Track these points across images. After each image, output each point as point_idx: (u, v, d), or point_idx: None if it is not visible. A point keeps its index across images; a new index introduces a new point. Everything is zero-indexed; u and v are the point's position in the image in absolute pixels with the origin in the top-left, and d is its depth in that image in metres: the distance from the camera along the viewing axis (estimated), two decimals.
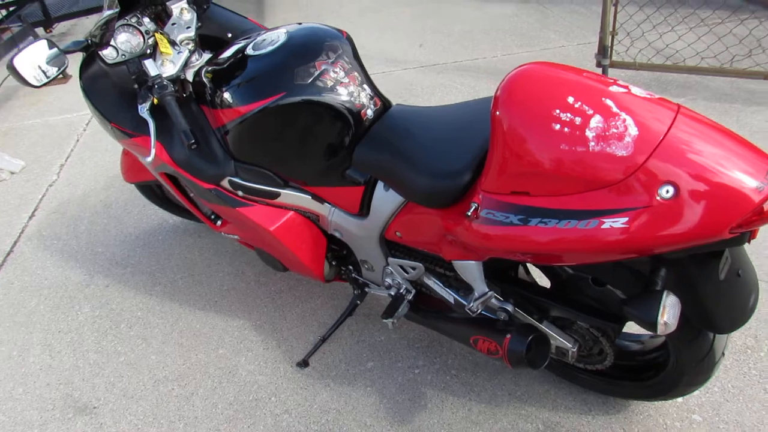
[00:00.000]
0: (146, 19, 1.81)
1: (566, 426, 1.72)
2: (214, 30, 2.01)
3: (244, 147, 1.71)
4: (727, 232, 1.07)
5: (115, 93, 1.91)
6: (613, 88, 1.19)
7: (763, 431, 1.65)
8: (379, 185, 1.61)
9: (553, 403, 1.79)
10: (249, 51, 1.68)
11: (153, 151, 1.76)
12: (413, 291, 1.81)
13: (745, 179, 1.06)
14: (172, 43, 1.88)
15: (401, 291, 1.81)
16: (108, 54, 1.84)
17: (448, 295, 1.72)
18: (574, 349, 1.56)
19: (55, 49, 1.76)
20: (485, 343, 1.53)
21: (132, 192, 3.06)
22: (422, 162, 1.44)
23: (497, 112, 1.26)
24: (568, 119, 1.16)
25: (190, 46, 1.92)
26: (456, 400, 1.84)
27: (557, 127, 1.17)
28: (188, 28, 1.93)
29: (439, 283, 1.73)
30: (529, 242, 1.23)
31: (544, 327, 1.55)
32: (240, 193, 1.80)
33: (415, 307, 1.81)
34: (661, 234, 1.09)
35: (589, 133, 1.14)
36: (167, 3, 1.93)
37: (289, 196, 1.77)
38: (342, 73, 1.61)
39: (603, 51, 3.47)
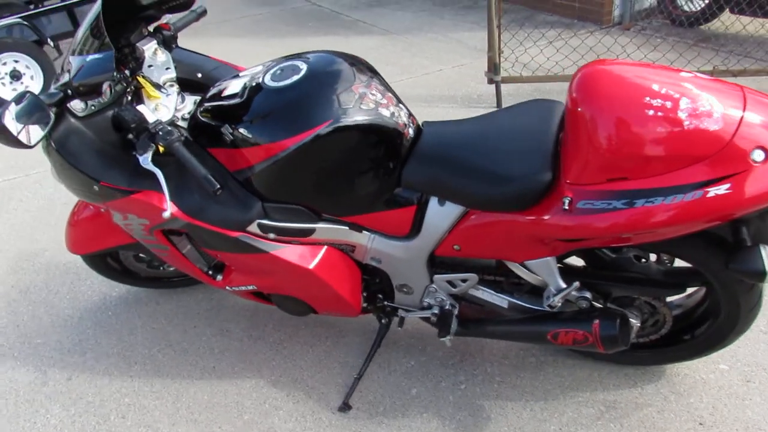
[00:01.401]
0: None
1: (623, 402, 1.82)
2: (183, 71, 1.87)
3: (280, 185, 1.60)
4: None
5: (95, 149, 1.68)
6: (684, 74, 1.34)
7: None
8: (433, 201, 1.60)
9: (602, 384, 1.89)
10: (268, 83, 1.58)
11: (169, 203, 1.58)
12: (457, 305, 1.81)
13: None
14: (156, 86, 1.72)
15: (446, 307, 1.80)
16: (76, 106, 1.64)
17: (501, 300, 1.75)
18: (639, 324, 1.67)
19: (35, 100, 1.50)
20: (568, 334, 1.59)
21: (49, 271, 2.66)
22: (497, 170, 1.47)
23: (579, 109, 1.34)
24: (659, 104, 1.27)
25: (176, 87, 1.78)
26: (514, 404, 1.86)
27: (651, 112, 1.27)
28: (168, 69, 1.79)
29: (489, 290, 1.75)
30: (636, 223, 1.31)
31: (615, 308, 1.65)
32: (271, 235, 1.67)
33: (460, 321, 1.81)
34: (760, 192, 1.24)
35: (682, 114, 1.26)
36: (137, 45, 1.77)
37: (324, 230, 1.69)
38: (379, 95, 1.59)
39: (494, 69, 3.77)
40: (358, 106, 1.53)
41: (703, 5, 4.57)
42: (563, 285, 1.58)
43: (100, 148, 1.67)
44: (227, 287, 1.91)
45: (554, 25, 5.05)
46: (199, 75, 1.94)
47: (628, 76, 1.33)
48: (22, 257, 2.77)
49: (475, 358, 2.03)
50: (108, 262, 2.24)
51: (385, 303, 1.89)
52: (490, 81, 3.83)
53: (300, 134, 1.50)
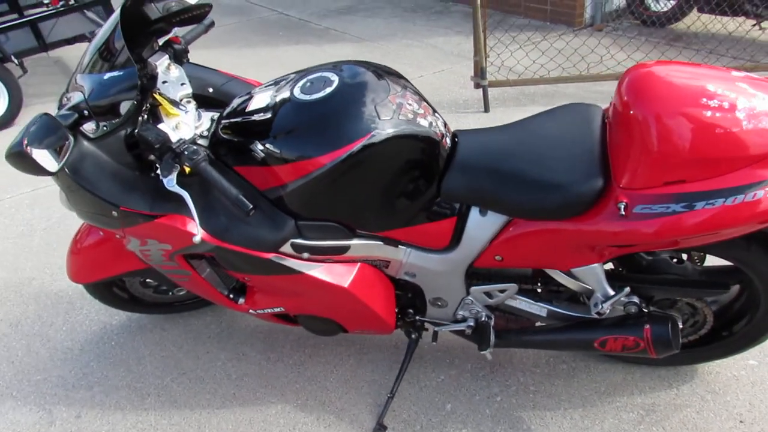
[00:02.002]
0: None
1: (662, 404, 1.81)
2: (193, 86, 1.78)
3: (315, 203, 1.53)
4: None
5: (112, 172, 1.57)
6: (735, 74, 1.33)
7: None
8: (474, 212, 1.56)
9: (637, 387, 1.87)
10: (298, 97, 1.51)
11: (199, 227, 1.49)
12: (492, 316, 1.77)
13: None
14: (174, 103, 1.63)
15: (482, 319, 1.76)
16: (86, 127, 1.54)
17: (540, 309, 1.71)
18: (681, 325, 1.66)
19: (53, 122, 1.39)
20: (617, 341, 1.56)
21: (39, 301, 2.51)
22: (545, 177, 1.43)
23: (631, 112, 1.32)
24: (716, 105, 1.26)
25: (193, 103, 1.69)
26: (553, 413, 1.82)
27: (708, 114, 1.26)
28: (182, 84, 1.70)
29: (527, 299, 1.72)
30: (697, 225, 1.29)
31: (659, 311, 1.63)
32: (306, 255, 1.60)
33: (496, 332, 1.77)
34: None
35: (740, 114, 1.25)
36: (149, 60, 1.68)
37: (359, 246, 1.62)
38: (415, 105, 1.54)
39: (481, 73, 3.76)
40: (397, 117, 1.47)
41: (672, 5, 4.68)
42: (611, 291, 1.56)
43: (116, 171, 1.57)
44: (251, 310, 1.83)
45: (527, 29, 5.08)
46: (210, 90, 1.86)
47: (681, 77, 1.32)
48: (8, 288, 2.61)
49: (506, 369, 1.99)
50: (114, 291, 2.12)
51: (417, 318, 1.84)
52: (477, 85, 3.82)
53: (338, 149, 1.44)
